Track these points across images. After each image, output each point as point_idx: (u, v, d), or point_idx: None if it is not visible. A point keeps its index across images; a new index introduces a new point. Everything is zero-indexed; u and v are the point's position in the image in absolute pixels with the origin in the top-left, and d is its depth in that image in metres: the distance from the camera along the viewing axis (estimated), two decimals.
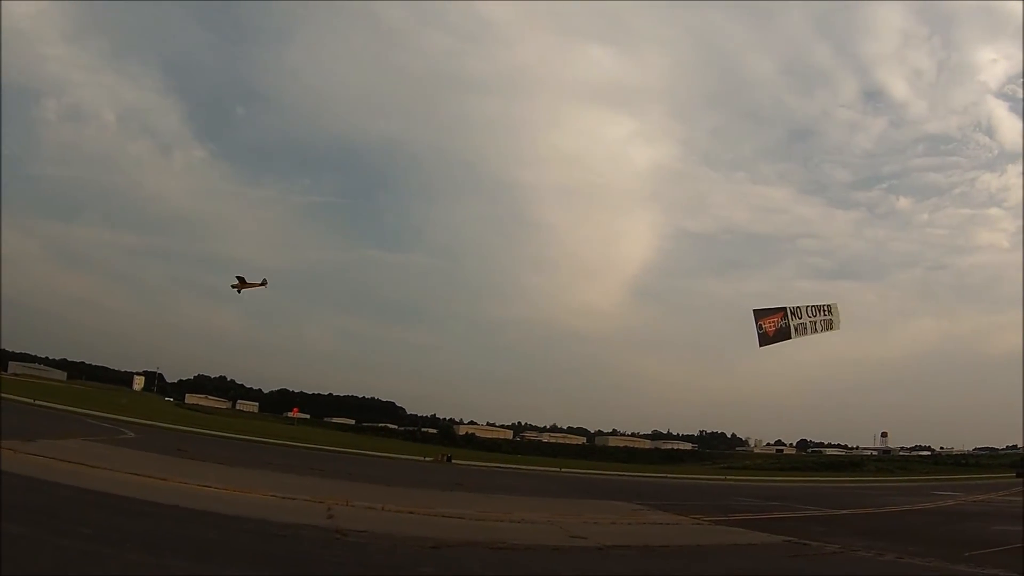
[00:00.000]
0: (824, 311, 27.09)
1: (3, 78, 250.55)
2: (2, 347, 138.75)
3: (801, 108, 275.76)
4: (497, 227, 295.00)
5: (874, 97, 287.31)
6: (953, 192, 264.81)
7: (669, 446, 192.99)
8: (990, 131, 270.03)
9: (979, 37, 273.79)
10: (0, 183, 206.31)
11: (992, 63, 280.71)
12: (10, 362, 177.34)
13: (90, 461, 22.54)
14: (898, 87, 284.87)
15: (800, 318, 26.48)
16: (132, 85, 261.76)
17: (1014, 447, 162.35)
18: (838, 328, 27.56)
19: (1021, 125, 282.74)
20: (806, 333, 26.68)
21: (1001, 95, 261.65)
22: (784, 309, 26.51)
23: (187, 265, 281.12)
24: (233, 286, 50.27)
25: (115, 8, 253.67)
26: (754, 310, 26.43)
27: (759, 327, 25.90)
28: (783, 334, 26.27)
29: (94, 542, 11.29)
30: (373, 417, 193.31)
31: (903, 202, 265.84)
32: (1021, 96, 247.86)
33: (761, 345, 26.06)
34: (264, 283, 51.88)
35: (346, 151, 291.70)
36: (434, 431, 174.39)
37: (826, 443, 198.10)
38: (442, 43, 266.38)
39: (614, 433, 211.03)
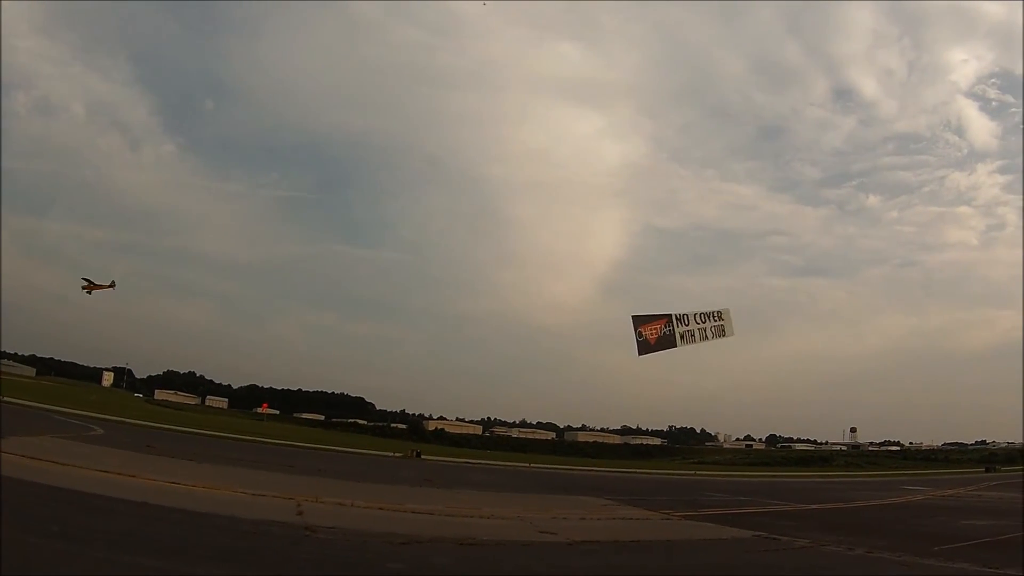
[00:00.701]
0: (714, 317, 26.04)
1: None
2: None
3: (771, 106, 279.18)
4: (466, 222, 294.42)
5: (844, 96, 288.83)
6: (922, 190, 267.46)
7: (638, 441, 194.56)
8: (960, 130, 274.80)
9: (949, 38, 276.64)
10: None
11: (962, 63, 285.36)
12: None
13: (58, 458, 22.41)
14: (868, 86, 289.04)
15: (687, 325, 25.62)
16: (101, 78, 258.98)
17: (982, 442, 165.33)
18: (731, 335, 26.69)
19: (990, 124, 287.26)
20: (694, 341, 25.83)
21: (971, 95, 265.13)
22: (668, 316, 25.55)
23: (156, 260, 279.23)
24: (84, 288, 50.36)
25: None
26: (633, 316, 25.39)
27: (639, 334, 24.89)
28: (666, 342, 25.37)
29: (61, 540, 11.30)
30: (343, 413, 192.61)
31: (872, 200, 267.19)
32: (990, 96, 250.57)
33: (640, 354, 25.13)
34: (112, 285, 51.99)
35: (315, 145, 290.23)
36: (403, 427, 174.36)
37: (795, 438, 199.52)
38: (412, 37, 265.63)
39: (583, 428, 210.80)
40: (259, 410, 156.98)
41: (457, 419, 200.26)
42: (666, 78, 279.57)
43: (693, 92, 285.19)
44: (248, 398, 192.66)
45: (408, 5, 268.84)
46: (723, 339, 26.37)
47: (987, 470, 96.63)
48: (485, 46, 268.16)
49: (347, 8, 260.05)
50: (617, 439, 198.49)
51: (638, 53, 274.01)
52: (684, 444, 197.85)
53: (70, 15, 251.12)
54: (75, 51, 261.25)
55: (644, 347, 24.99)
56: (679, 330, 25.52)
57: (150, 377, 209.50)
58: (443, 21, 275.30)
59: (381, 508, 20.31)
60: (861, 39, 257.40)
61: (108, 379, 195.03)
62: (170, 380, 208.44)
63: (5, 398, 64.54)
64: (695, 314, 26.04)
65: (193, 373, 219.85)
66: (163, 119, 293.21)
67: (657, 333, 25.16)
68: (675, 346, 25.39)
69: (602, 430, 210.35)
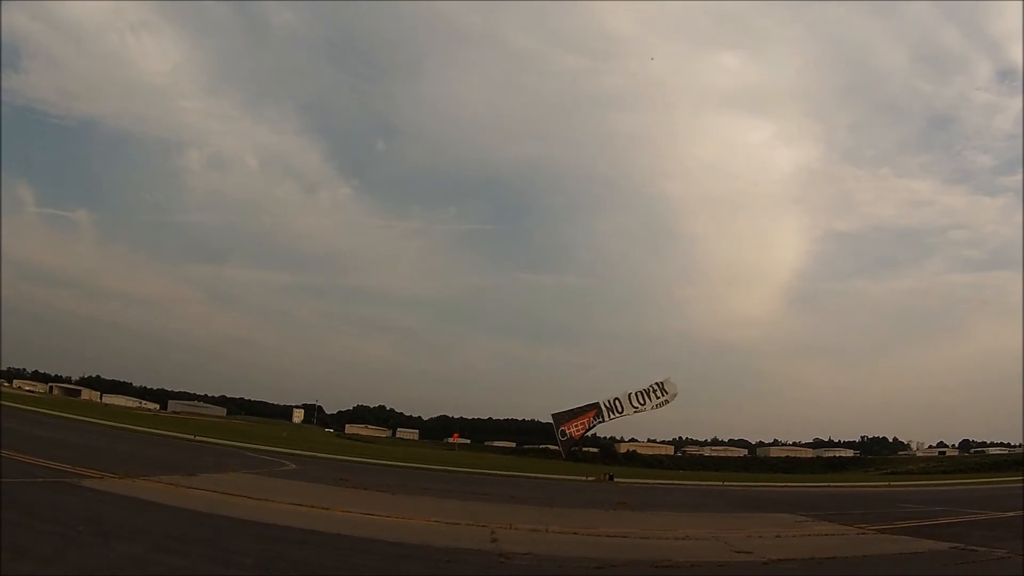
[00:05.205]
0: (655, 393, 24.19)
1: (140, 130, 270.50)
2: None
3: (937, 95, 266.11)
4: (644, 241, 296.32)
5: (1009, 76, 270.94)
6: None
7: (830, 454, 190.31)
8: None
9: None
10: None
11: None
12: (170, 400, 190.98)
13: (252, 493, 23.52)
14: None
15: (620, 412, 23.83)
16: (271, 130, 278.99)
17: None
18: (674, 402, 24.64)
19: None
20: (636, 413, 24.01)
21: None
22: (596, 406, 23.89)
23: (339, 299, 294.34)
24: None
25: (246, 57, 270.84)
26: (553, 414, 23.99)
27: (562, 433, 23.41)
28: (592, 430, 23.77)
29: (255, 570, 11.73)
30: (533, 439, 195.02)
31: None
32: None
33: (565, 454, 23.60)
34: None
35: (488, 177, 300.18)
36: (595, 450, 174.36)
37: (989, 443, 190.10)
38: (572, 63, 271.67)
39: (775, 443, 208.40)
40: (450, 440, 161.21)
41: (648, 440, 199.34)
42: (829, 78, 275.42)
43: (858, 89, 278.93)
44: (439, 429, 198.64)
45: (565, 32, 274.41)
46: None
47: None
48: (647, 64, 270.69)
49: (505, 40, 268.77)
50: (809, 453, 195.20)
51: (797, 55, 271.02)
52: (876, 454, 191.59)
53: (233, 74, 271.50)
54: (241, 107, 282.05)
55: (568, 444, 23.86)
56: (610, 420, 24.17)
57: (340, 412, 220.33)
58: (601, 45, 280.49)
59: (575, 533, 20.21)
60: (1016, 14, 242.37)
61: (298, 416, 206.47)
62: (360, 415, 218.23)
63: (198, 438, 68.94)
64: (632, 394, 24.54)
65: (383, 407, 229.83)
66: (337, 163, 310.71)
67: (583, 429, 23.98)
68: (604, 421, 24.09)
69: (794, 444, 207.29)
